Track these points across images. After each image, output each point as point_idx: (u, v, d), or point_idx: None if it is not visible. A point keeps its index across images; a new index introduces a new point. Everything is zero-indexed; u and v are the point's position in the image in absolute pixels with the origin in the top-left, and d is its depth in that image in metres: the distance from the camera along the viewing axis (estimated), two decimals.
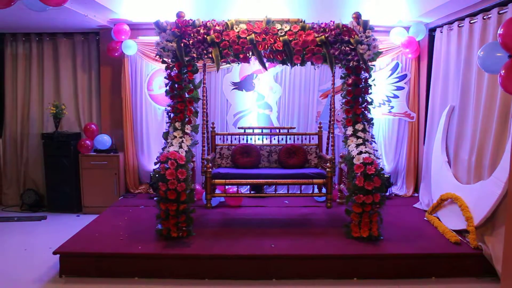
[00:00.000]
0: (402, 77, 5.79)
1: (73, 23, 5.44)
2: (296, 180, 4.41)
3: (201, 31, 4.09)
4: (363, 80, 4.20)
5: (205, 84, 4.68)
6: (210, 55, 4.13)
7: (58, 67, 6.06)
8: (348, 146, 4.14)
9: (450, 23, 4.86)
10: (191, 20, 4.13)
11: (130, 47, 5.59)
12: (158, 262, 3.70)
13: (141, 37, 5.74)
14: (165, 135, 4.21)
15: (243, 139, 5.16)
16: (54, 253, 3.70)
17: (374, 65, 4.66)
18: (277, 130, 5.29)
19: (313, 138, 5.18)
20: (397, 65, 5.79)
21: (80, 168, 5.68)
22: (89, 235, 4.11)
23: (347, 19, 4.21)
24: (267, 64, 4.32)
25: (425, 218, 4.69)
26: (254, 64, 5.38)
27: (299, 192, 4.77)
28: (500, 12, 3.85)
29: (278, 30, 4.10)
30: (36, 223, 5.30)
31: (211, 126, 5.05)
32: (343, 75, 4.34)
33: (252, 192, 5.36)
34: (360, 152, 3.95)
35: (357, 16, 4.15)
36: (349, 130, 4.20)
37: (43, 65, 6.06)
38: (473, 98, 4.28)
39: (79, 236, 4.09)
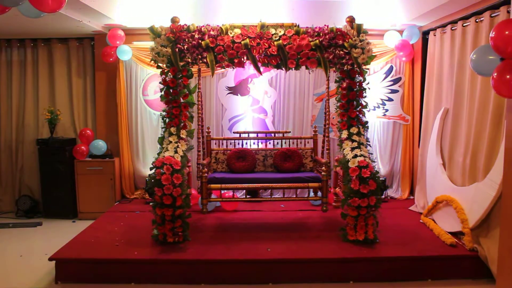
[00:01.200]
0: (396, 80, 5.82)
1: (68, 29, 5.44)
2: (291, 184, 4.41)
3: (196, 36, 4.09)
4: (358, 83, 4.22)
5: (200, 89, 4.69)
6: (205, 60, 4.15)
7: (53, 73, 6.05)
8: (343, 149, 4.15)
9: (443, 26, 4.90)
10: (186, 25, 4.14)
11: (125, 52, 5.59)
12: (154, 268, 3.69)
13: (135, 42, 5.75)
14: (160, 140, 4.21)
15: (238, 143, 5.16)
16: (50, 259, 3.68)
17: (368, 69, 4.68)
18: (272, 134, 5.31)
19: (308, 142, 5.18)
20: (391, 68, 5.82)
21: (75, 174, 5.66)
22: (85, 241, 4.10)
23: (341, 23, 4.24)
24: (261, 69, 4.33)
25: (420, 221, 4.71)
26: (249, 69, 5.40)
27: (294, 196, 4.76)
28: (492, 15, 3.89)
29: (272, 34, 4.12)
30: (31, 229, 5.27)
31: (206, 130, 5.05)
32: (337, 79, 4.36)
33: (247, 196, 5.34)
34: (355, 156, 3.96)
35: (351, 20, 4.17)
36: (344, 134, 4.23)
37: (38, 70, 6.05)
38: (467, 100, 4.31)
39: (74, 242, 4.07)
